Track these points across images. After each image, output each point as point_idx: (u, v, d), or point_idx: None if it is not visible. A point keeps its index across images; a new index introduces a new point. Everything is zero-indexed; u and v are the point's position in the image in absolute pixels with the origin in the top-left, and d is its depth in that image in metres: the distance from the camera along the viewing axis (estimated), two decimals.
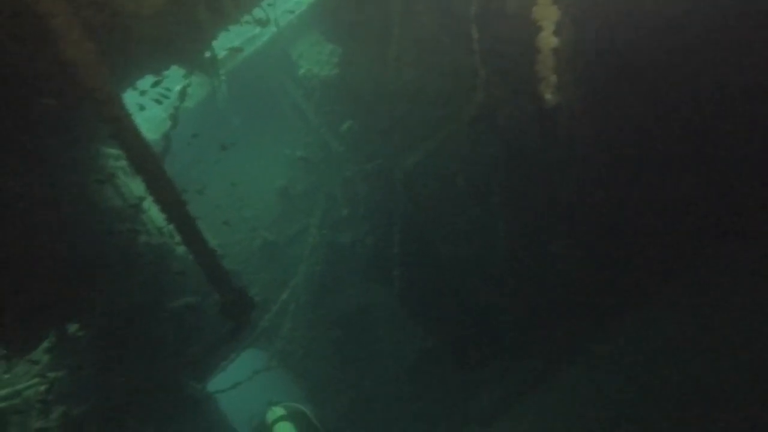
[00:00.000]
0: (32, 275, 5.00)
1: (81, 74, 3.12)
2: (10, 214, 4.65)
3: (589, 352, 7.25)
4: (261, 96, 8.57)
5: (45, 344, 5.36)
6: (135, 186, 7.03)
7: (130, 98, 5.14)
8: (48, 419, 5.15)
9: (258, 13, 7.24)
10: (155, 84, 6.07)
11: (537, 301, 7.52)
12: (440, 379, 8.04)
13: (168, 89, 6.82)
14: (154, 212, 7.03)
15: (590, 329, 7.38)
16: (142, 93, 6.30)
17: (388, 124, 8.01)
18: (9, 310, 4.76)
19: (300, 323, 8.14)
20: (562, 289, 7.33)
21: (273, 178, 8.42)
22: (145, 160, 3.79)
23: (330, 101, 8.25)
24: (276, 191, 8.49)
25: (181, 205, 3.95)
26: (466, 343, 7.81)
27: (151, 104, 7.08)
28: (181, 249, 6.84)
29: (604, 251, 7.39)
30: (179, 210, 3.98)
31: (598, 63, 5.78)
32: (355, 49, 8.29)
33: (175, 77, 6.90)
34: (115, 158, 7.46)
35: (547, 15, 5.04)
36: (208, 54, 6.62)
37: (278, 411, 8.03)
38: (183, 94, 6.79)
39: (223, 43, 8.45)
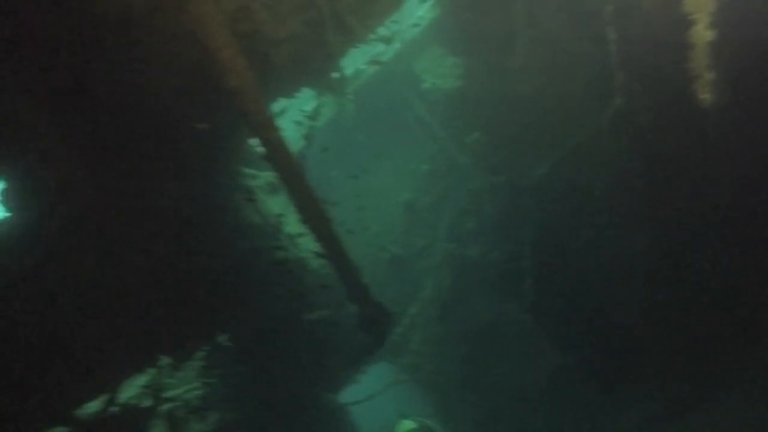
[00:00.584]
0: (190, 290, 5.36)
1: (243, 101, 3.31)
2: (173, 233, 5.04)
3: (747, 375, 6.57)
4: (386, 112, 8.72)
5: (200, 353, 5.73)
6: (272, 203, 7.40)
7: None
8: (206, 422, 5.51)
9: (382, 31, 7.41)
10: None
11: (686, 320, 6.94)
12: (577, 399, 7.63)
13: (303, 110, 7.16)
14: (290, 228, 7.35)
15: (747, 350, 6.69)
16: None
17: (515, 134, 7.83)
18: (172, 323, 5.14)
19: (429, 338, 8.10)
20: (714, 307, 6.71)
21: (399, 192, 8.49)
22: (295, 179, 3.94)
23: (454, 113, 8.22)
24: (402, 205, 8.56)
25: (326, 220, 4.07)
26: (606, 362, 7.36)
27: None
28: (315, 263, 7.07)
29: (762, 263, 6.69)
30: (324, 225, 4.09)
31: (757, 58, 5.24)
32: (477, 60, 8.21)
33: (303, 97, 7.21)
34: (252, 177, 7.91)
35: (701, 7, 4.67)
36: (336, 74, 6.86)
37: (409, 424, 8.06)
38: (315, 114, 7.06)
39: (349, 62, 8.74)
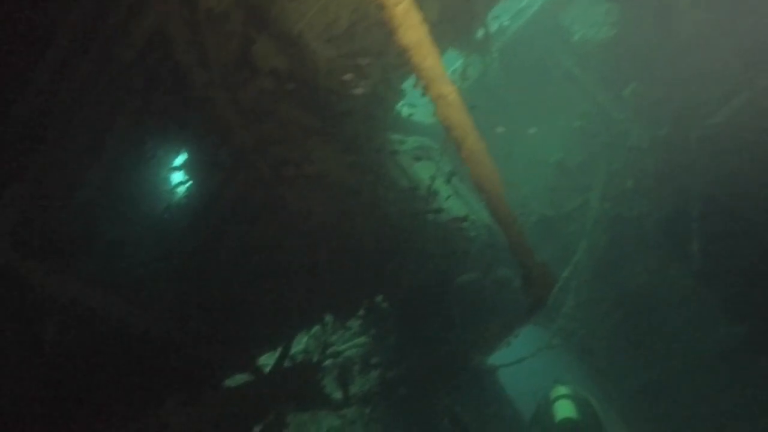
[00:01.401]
0: (351, 253, 5.54)
1: (418, 57, 3.27)
2: (335, 200, 5.21)
3: None
4: (532, 68, 8.33)
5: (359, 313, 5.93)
6: (420, 169, 7.42)
7: None
8: (367, 378, 5.74)
9: None
10: None
11: None
12: (752, 371, 6.96)
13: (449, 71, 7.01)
14: (441, 192, 7.34)
15: None
16: None
17: (681, 82, 7.15)
18: (335, 284, 5.36)
19: (582, 301, 7.77)
20: None
21: (549, 151, 8.12)
22: (466, 135, 3.84)
23: (609, 65, 7.65)
24: (552, 165, 8.20)
25: (496, 178, 3.95)
26: None
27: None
28: (468, 226, 7.01)
29: None
30: (494, 185, 3.98)
31: None
32: (634, 4, 7.56)
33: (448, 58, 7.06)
34: (399, 143, 7.97)
35: None
36: (481, 32, 6.63)
37: (563, 390, 7.85)
38: (464, 74, 6.91)
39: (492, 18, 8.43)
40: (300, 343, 6.05)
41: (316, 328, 5.89)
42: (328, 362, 6.00)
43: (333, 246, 5.53)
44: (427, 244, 6.68)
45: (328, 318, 5.67)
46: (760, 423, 6.93)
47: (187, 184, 4.80)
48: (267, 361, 5.38)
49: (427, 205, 6.89)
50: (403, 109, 7.92)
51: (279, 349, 5.18)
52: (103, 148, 3.93)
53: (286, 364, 5.16)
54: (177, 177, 4.79)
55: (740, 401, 7.08)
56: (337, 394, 5.58)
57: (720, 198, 6.71)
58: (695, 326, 7.40)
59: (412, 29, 3.18)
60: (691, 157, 7.01)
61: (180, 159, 4.63)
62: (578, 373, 8.23)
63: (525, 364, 8.54)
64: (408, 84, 6.24)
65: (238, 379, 4.99)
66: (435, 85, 3.50)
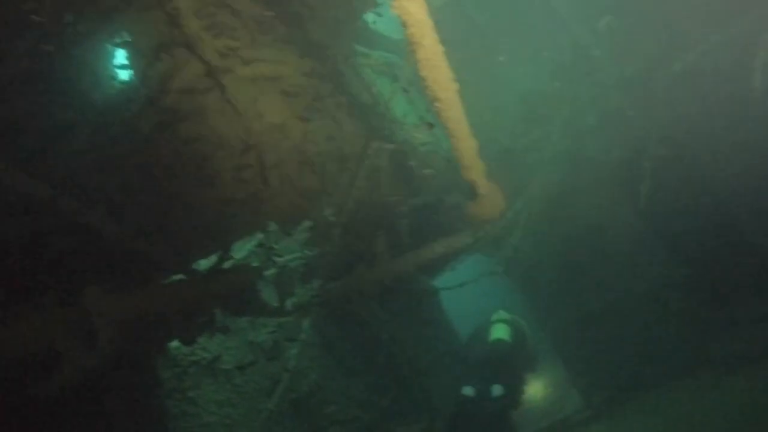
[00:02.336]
0: (299, 162, 5.41)
1: None
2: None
3: None
4: None
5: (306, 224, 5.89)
6: (381, 84, 7.20)
7: None
8: (308, 287, 5.78)
9: None
10: None
11: None
12: (685, 312, 7.25)
13: None
14: (399, 110, 7.17)
15: None
16: None
17: (653, 23, 6.98)
18: (280, 191, 5.26)
19: (530, 233, 7.86)
20: None
21: (518, 79, 7.92)
22: (423, 35, 3.68)
23: None
24: (517, 94, 8.04)
25: (452, 87, 3.85)
26: (724, 278, 6.87)
27: None
28: (424, 148, 6.92)
29: None
30: (449, 94, 3.88)
31: None
32: None
33: None
34: (364, 56, 7.68)
35: None
36: None
37: (503, 315, 8.17)
38: None
39: None
40: (243, 250, 6.01)
41: (259, 235, 5.85)
42: (271, 270, 6.00)
43: (282, 153, 5.39)
44: (381, 162, 6.59)
45: (272, 226, 5.62)
46: (681, 358, 7.27)
47: (127, 72, 4.53)
48: (206, 263, 5.33)
49: (384, 123, 6.75)
50: (371, 20, 7.59)
51: (218, 252, 5.13)
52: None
53: (225, 267, 5.12)
54: (117, 61, 4.52)
55: (667, 337, 7.40)
56: (274, 302, 5.63)
57: (674, 142, 6.74)
58: (637, 265, 7.59)
59: None
60: (653, 99, 6.96)
61: (119, 41, 4.34)
62: (521, 302, 8.47)
63: (476, 290, 8.78)
64: None
65: (174, 278, 4.94)
66: None
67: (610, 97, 7.34)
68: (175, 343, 5.07)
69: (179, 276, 4.63)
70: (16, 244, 4.09)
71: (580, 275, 7.79)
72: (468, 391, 7.25)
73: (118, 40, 4.33)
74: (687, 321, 7.25)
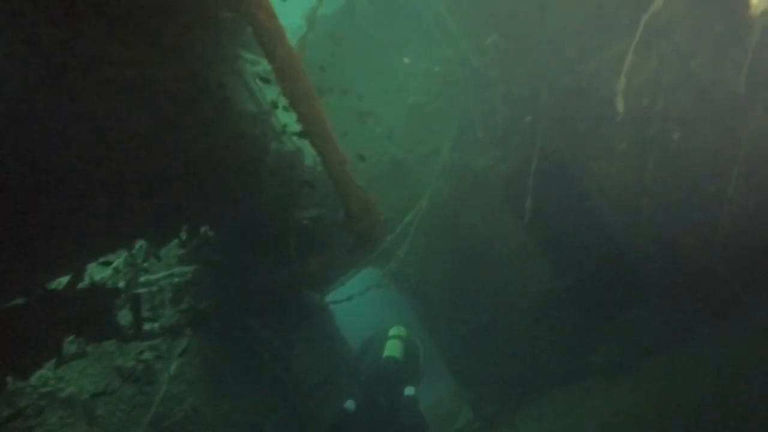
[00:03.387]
0: (167, 172, 5.04)
1: None
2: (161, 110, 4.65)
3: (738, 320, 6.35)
4: (402, 4, 8.00)
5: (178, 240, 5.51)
6: (269, 92, 6.92)
7: None
8: (177, 308, 5.38)
9: None
10: None
11: (689, 254, 6.63)
12: (564, 324, 7.50)
13: None
14: (288, 120, 6.92)
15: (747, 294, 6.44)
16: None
17: (537, 39, 7.19)
18: (147, 206, 4.87)
19: (419, 246, 7.86)
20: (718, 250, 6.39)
21: (407, 93, 7.92)
22: (287, 64, 3.49)
23: (477, 12, 7.51)
24: (409, 107, 8.04)
25: (318, 110, 3.66)
26: (597, 290, 7.17)
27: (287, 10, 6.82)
28: (310, 159, 6.71)
29: None
30: (316, 115, 3.69)
31: None
32: None
33: None
34: (252, 63, 7.37)
35: None
36: None
37: (400, 331, 8.15)
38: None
39: None
40: (106, 270, 5.51)
41: (124, 254, 5.39)
42: (136, 290, 5.54)
43: (149, 165, 5.00)
44: (264, 173, 6.32)
45: (140, 243, 5.19)
46: (564, 367, 7.50)
47: None
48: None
49: (269, 133, 6.48)
50: None
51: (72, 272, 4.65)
52: None
53: (81, 287, 4.65)
54: None
55: (552, 348, 7.61)
56: (141, 324, 5.19)
57: (555, 158, 6.96)
58: (523, 278, 7.77)
59: None
60: (538, 114, 7.17)
61: None
62: (413, 316, 8.44)
63: (374, 304, 8.69)
64: None
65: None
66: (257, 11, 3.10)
67: (498, 113, 7.49)
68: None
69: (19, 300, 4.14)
70: None
71: (468, 289, 7.88)
72: (350, 405, 7.21)
73: None
74: (570, 332, 7.51)
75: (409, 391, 7.36)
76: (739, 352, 5.74)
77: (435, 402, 9.71)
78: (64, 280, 4.67)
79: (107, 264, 5.08)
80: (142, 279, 5.43)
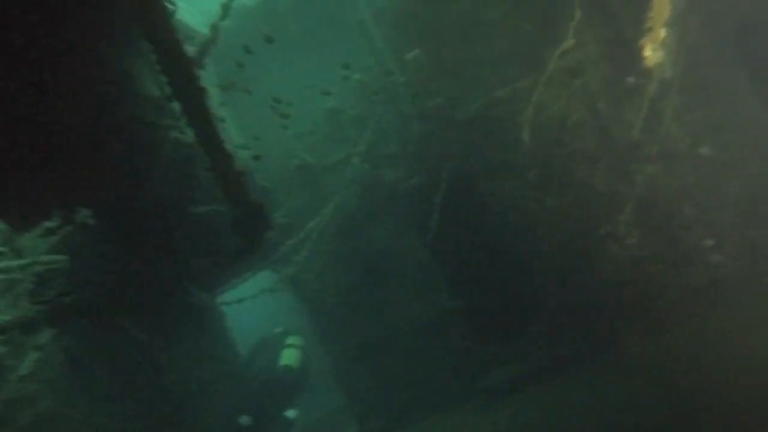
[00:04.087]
0: (42, 146, 4.57)
1: None
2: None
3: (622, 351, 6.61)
4: (327, 6, 7.80)
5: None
6: None
7: None
8: (37, 301, 4.87)
9: None
10: None
11: (585, 286, 6.84)
12: (457, 345, 7.53)
13: None
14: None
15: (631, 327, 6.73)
16: None
17: (456, 60, 7.24)
18: (11, 182, 4.38)
19: (319, 254, 7.66)
20: (614, 280, 6.64)
21: (324, 97, 7.69)
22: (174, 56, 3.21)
23: (402, 25, 7.45)
24: (324, 112, 7.85)
25: (201, 99, 3.40)
26: (491, 313, 7.27)
27: None
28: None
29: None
30: (199, 106, 3.43)
31: None
32: None
33: None
34: None
35: None
36: None
37: (299, 340, 8.00)
38: None
39: None
40: None
41: None
42: None
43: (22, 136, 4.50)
44: (158, 161, 5.92)
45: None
46: (453, 388, 7.52)
47: None
48: None
49: (170, 121, 6.09)
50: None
51: None
52: None
53: None
54: None
55: (442, 368, 7.62)
56: None
57: (463, 177, 7.01)
58: (420, 296, 7.74)
59: None
60: (450, 134, 7.18)
61: None
62: (309, 323, 8.21)
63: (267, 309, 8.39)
64: None
65: None
66: None
67: (412, 128, 7.45)
68: None
69: None
70: None
71: (365, 301, 7.76)
72: (245, 420, 6.98)
73: None
74: (461, 353, 7.55)
75: (290, 414, 7.23)
76: (624, 383, 5.96)
77: (321, 415, 9.50)
78: None
79: None
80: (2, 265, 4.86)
